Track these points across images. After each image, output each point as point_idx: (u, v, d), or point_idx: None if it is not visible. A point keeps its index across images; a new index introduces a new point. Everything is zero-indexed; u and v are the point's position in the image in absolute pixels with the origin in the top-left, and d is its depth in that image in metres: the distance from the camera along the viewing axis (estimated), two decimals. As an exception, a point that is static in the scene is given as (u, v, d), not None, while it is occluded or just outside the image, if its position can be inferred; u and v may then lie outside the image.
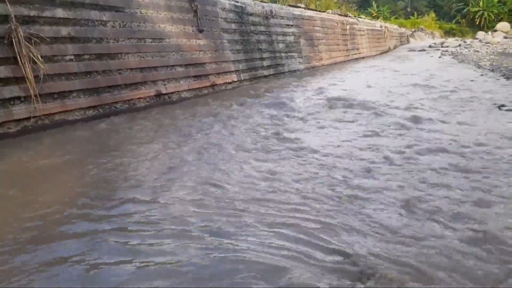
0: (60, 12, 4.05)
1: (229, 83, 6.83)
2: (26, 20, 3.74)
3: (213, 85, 6.38)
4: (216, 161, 2.86)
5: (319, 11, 13.32)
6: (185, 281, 1.47)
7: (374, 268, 1.49)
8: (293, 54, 9.64)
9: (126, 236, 1.81)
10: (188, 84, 5.79)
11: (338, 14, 14.50)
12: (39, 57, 3.70)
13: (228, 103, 5.23)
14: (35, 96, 3.69)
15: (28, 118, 3.70)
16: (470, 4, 39.86)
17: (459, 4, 41.44)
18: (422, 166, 2.59)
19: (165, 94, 5.36)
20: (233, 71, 6.97)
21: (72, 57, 4.15)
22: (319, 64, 11.13)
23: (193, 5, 6.00)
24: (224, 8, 6.90)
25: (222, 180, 2.46)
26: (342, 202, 2.09)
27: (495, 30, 30.92)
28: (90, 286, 1.47)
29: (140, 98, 4.96)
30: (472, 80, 6.93)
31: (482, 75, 7.74)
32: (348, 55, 14.02)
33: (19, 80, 3.62)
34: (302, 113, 4.54)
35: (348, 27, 14.05)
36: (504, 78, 6.98)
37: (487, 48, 17.54)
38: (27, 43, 3.62)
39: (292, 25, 9.74)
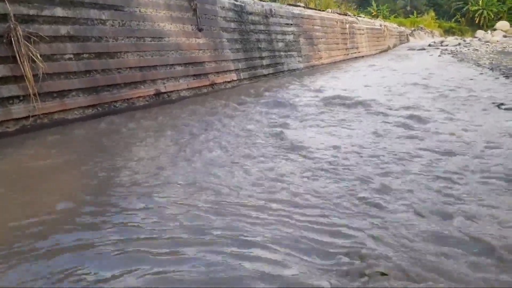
0: (59, 11, 4.04)
1: (229, 82, 6.82)
2: (25, 19, 3.73)
3: (212, 84, 6.37)
4: (216, 161, 2.85)
5: (319, 10, 13.32)
6: None
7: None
8: (293, 53, 9.63)
9: (126, 237, 1.80)
10: (187, 83, 5.79)
11: (337, 13, 14.49)
12: (38, 56, 3.70)
13: (227, 102, 5.22)
14: (34, 95, 3.69)
15: (27, 117, 3.69)
16: (470, 3, 39.93)
17: (458, 3, 41.47)
18: (423, 165, 2.59)
19: (165, 93, 5.36)
20: (232, 70, 6.96)
21: (71, 56, 4.15)
22: (319, 63, 11.13)
23: (192, 4, 5.99)
24: (224, 7, 6.89)
25: (222, 180, 2.45)
26: (344, 202, 2.10)
27: (495, 29, 31.00)
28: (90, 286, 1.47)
29: (139, 97, 4.95)
30: (471, 79, 6.93)
31: (481, 73, 7.75)
32: (348, 54, 14.02)
33: (18, 79, 3.62)
34: (302, 113, 4.54)
35: (347, 26, 14.05)
36: (504, 76, 6.98)
37: (487, 47, 17.57)
38: (26, 42, 3.61)
39: (291, 24, 9.73)
